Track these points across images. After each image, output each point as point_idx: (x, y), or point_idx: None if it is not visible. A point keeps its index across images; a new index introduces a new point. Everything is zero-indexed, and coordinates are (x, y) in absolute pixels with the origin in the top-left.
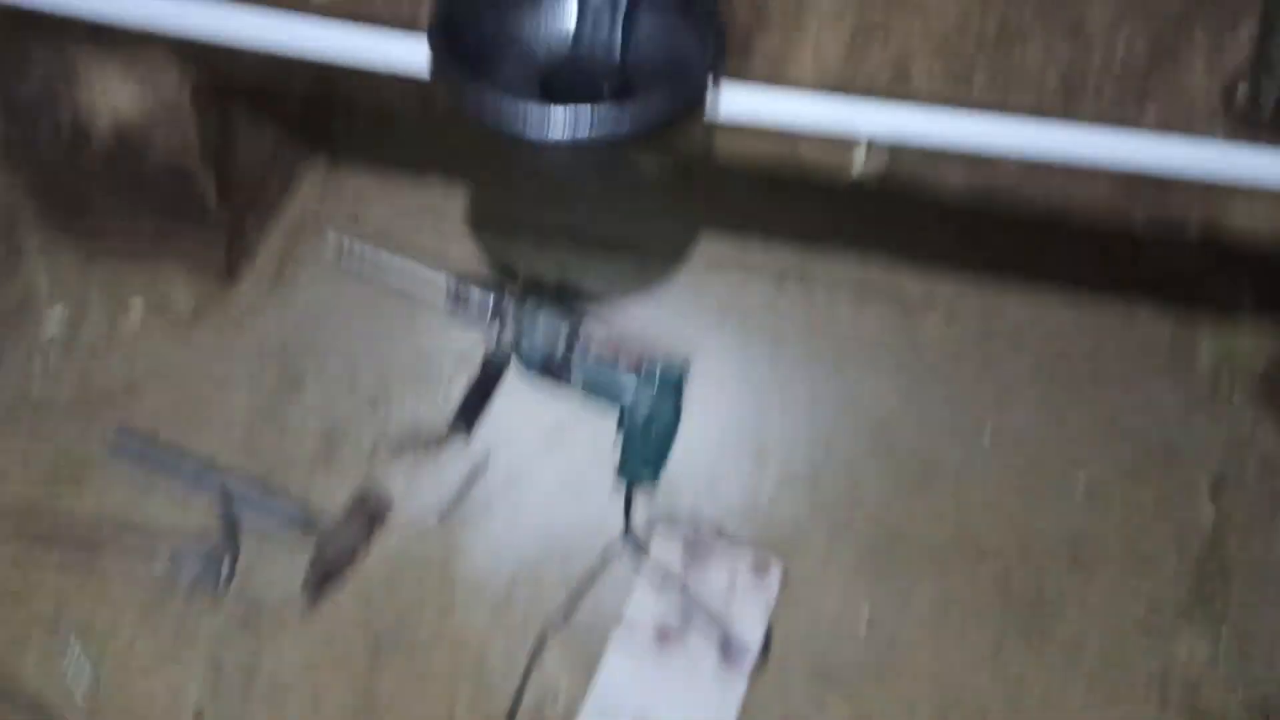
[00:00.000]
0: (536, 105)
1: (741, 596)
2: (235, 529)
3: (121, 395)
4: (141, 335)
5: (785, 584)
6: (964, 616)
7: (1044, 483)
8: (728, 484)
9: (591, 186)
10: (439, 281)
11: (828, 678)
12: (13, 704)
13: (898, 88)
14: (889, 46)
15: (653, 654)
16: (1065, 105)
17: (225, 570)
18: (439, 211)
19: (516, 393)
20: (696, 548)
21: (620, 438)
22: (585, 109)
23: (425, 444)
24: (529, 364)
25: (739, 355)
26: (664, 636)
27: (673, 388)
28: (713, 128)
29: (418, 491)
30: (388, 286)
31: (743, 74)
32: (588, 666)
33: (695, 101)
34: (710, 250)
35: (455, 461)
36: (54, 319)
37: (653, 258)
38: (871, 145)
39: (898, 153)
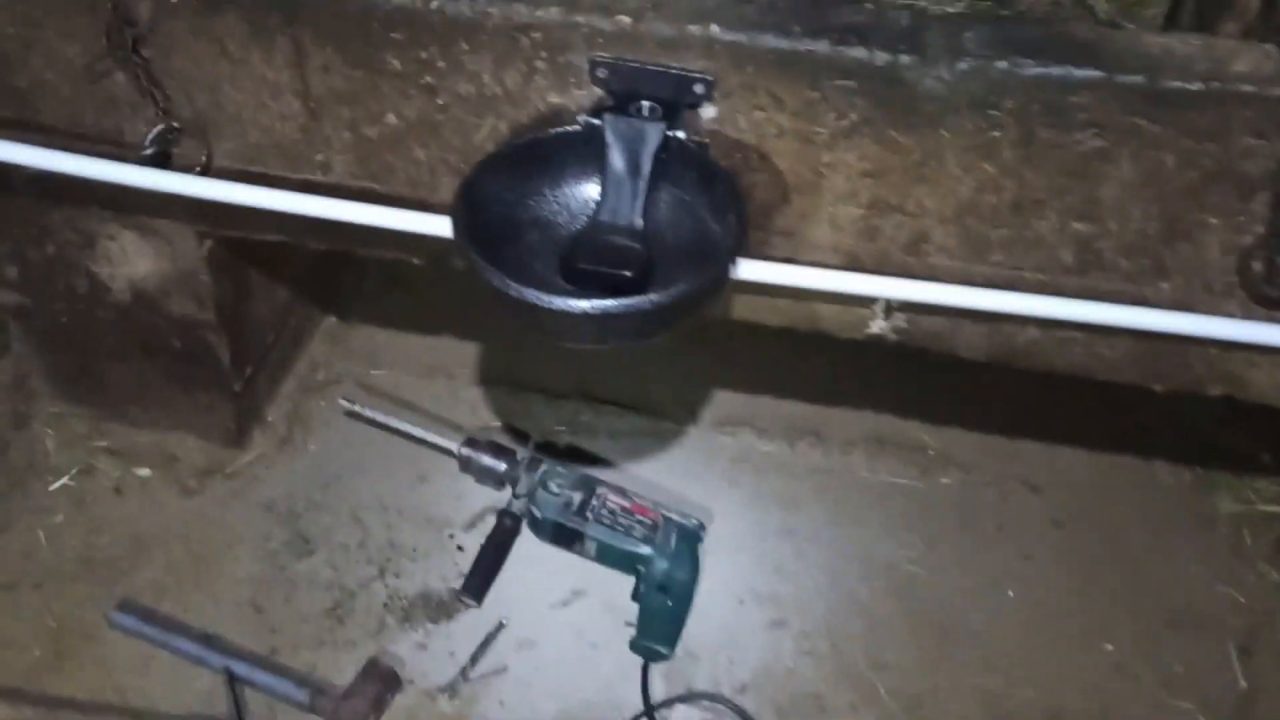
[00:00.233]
0: (560, 300)
1: None
2: (241, 713)
3: (126, 559)
4: (148, 497)
5: None
6: None
7: (1070, 648)
8: (746, 650)
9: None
10: (450, 445)
11: None
12: None
13: (913, 258)
14: (905, 219)
15: None
16: (1081, 276)
17: None
18: (448, 369)
19: (529, 557)
20: None
21: (637, 609)
22: (610, 305)
23: (436, 610)
24: (541, 530)
25: (754, 515)
26: None
27: (689, 554)
28: (729, 293)
29: (429, 660)
30: (397, 447)
31: (759, 244)
32: None
33: (719, 284)
34: (721, 408)
35: (468, 628)
36: (61, 483)
37: (664, 416)
38: (890, 306)
39: (916, 315)
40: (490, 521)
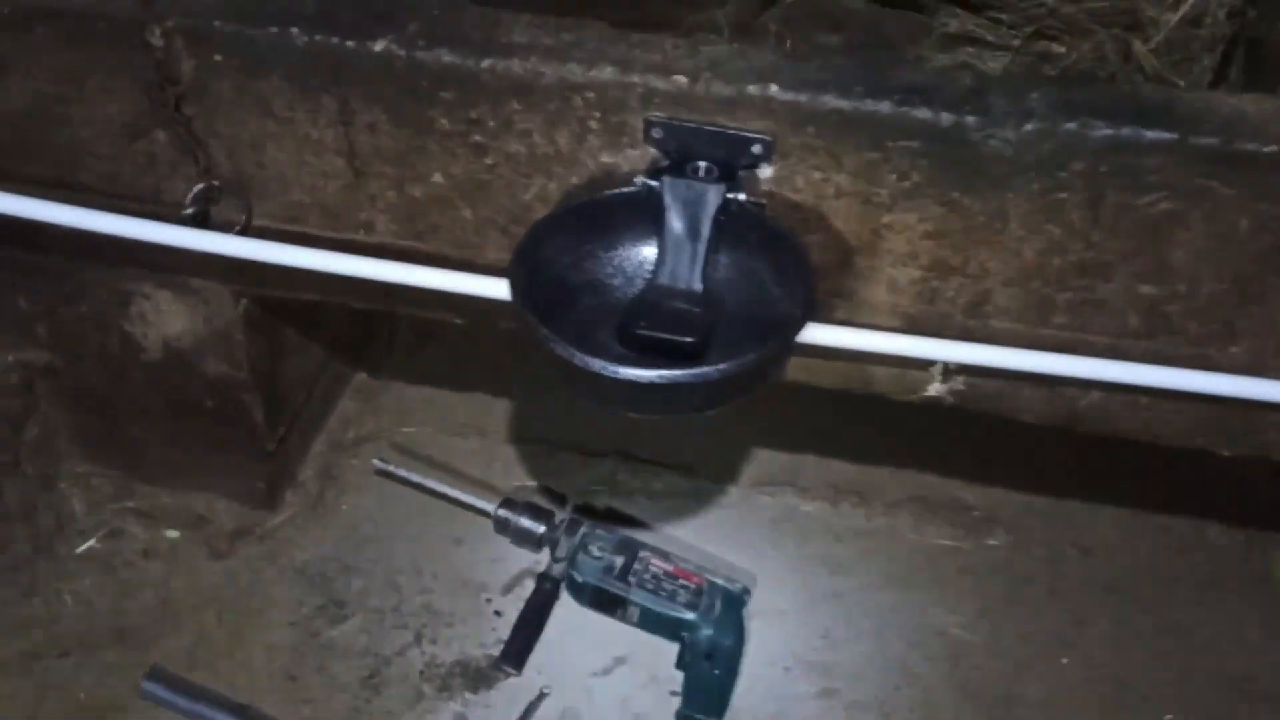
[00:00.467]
0: (627, 370)
1: None
2: None
3: (155, 625)
4: (178, 560)
5: None
6: None
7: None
8: None
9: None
10: (486, 506)
11: None
12: None
13: (974, 320)
14: (966, 281)
15: None
16: (1148, 340)
17: None
18: (481, 427)
19: (568, 623)
20: None
21: (682, 678)
22: (679, 374)
23: (475, 679)
24: (581, 595)
25: (798, 579)
26: None
27: (734, 620)
28: None
29: None
30: (431, 507)
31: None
32: None
33: (788, 351)
34: (761, 467)
35: (508, 698)
36: (88, 545)
37: (702, 476)
38: (948, 369)
39: (974, 378)
40: (528, 586)
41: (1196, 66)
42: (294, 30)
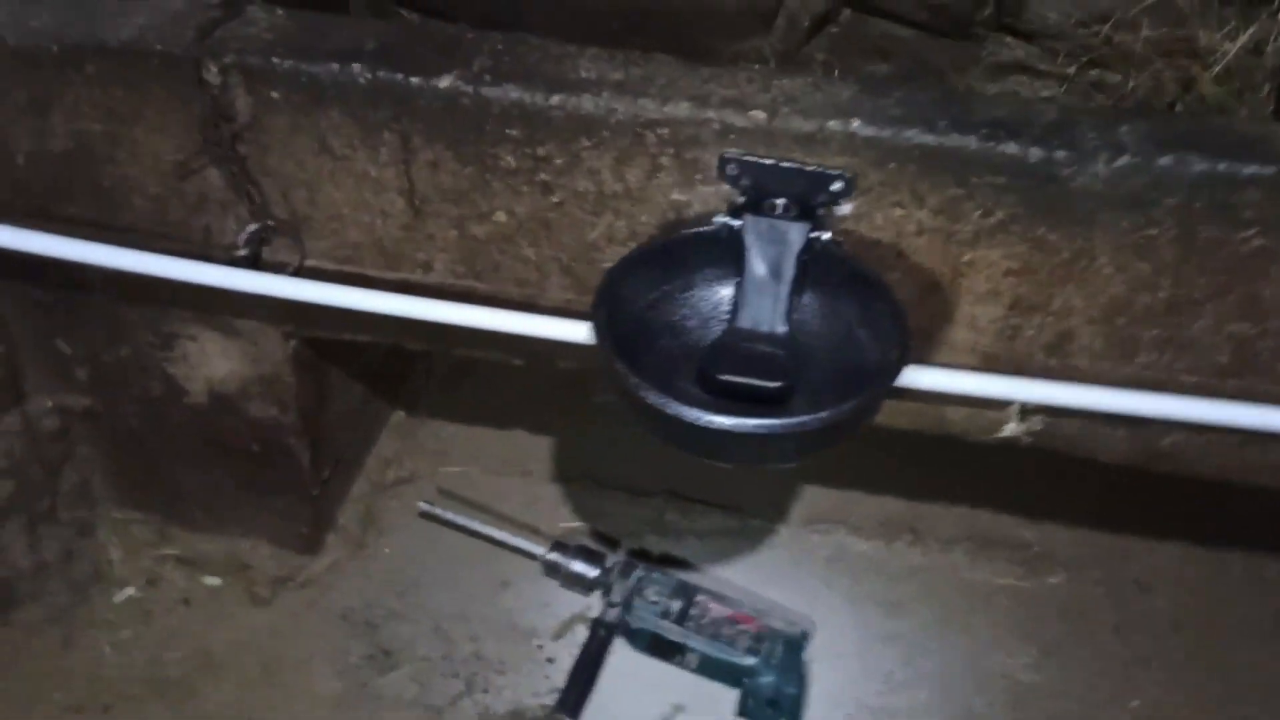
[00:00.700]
0: (724, 419)
1: None
2: None
3: (198, 676)
4: (219, 608)
5: None
6: None
7: None
8: None
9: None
10: (535, 549)
11: None
12: None
13: (1055, 359)
14: (1049, 319)
15: None
16: (1237, 379)
17: None
18: (524, 465)
19: (623, 669)
20: None
21: None
22: (777, 424)
23: None
24: (637, 641)
25: (855, 620)
26: None
27: (795, 665)
28: None
29: None
30: (476, 550)
31: None
32: None
33: (881, 400)
34: (811, 505)
35: None
36: (126, 594)
37: (752, 514)
38: (1025, 409)
39: (1053, 418)
40: (579, 631)
41: (1258, 95)
42: (356, 66)
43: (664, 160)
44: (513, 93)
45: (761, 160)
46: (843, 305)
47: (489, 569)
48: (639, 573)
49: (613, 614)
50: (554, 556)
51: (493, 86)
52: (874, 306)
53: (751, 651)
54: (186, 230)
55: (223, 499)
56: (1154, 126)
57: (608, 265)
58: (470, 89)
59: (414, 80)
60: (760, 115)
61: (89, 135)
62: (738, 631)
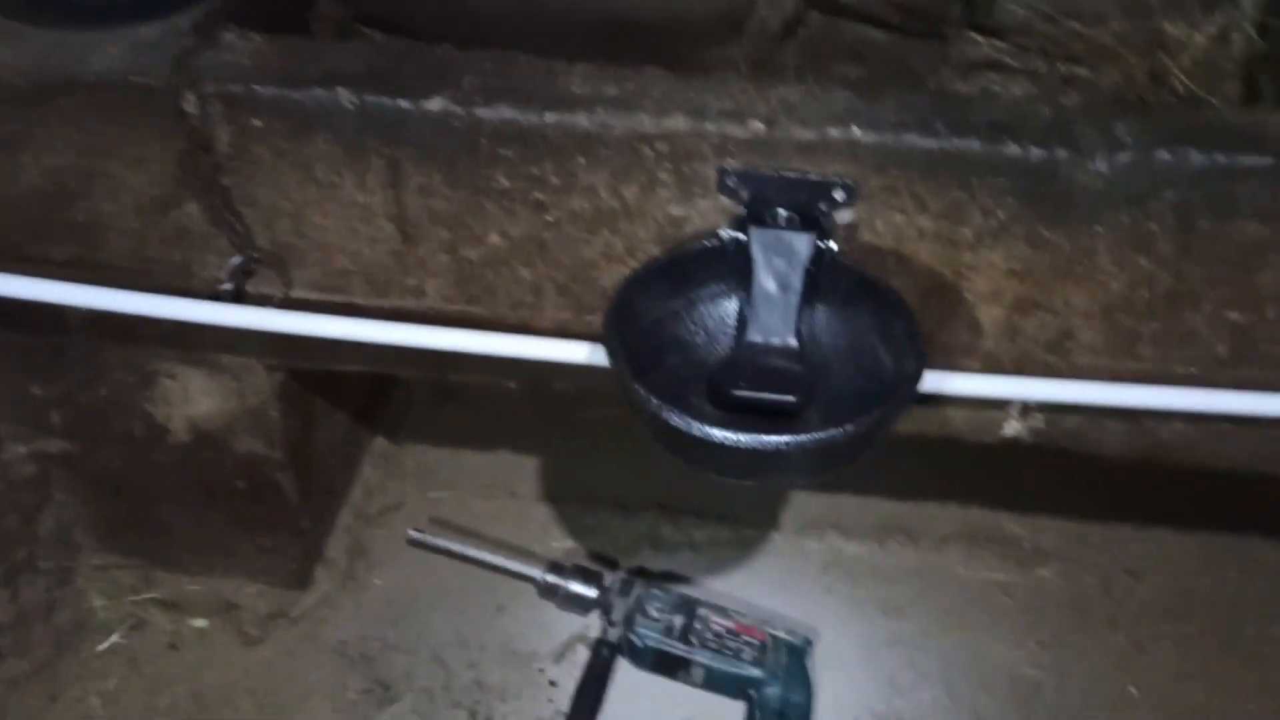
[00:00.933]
0: (751, 438)
1: None
2: None
3: None
4: (208, 650)
5: None
6: None
7: None
8: None
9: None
10: (531, 571)
11: None
12: None
13: (1056, 356)
14: (1050, 318)
15: None
16: (1234, 368)
17: None
18: (511, 486)
19: (628, 688)
20: None
21: None
22: (804, 439)
23: None
24: (641, 660)
25: (856, 625)
26: None
27: (801, 674)
28: None
29: None
30: (467, 575)
31: None
32: None
33: (905, 408)
34: (802, 510)
35: None
36: (111, 641)
37: (745, 523)
38: (1026, 407)
39: (1054, 415)
40: (580, 651)
41: (1228, 86)
42: (342, 91)
43: (662, 175)
44: (506, 112)
45: (763, 171)
46: (852, 315)
47: (483, 594)
48: (638, 590)
49: (614, 633)
50: (551, 578)
51: (485, 107)
52: (884, 315)
53: (757, 663)
54: (166, 265)
55: (208, 539)
56: (1149, 121)
57: (606, 283)
58: (462, 110)
59: (403, 104)
60: (759, 126)
61: (62, 172)
62: (742, 643)
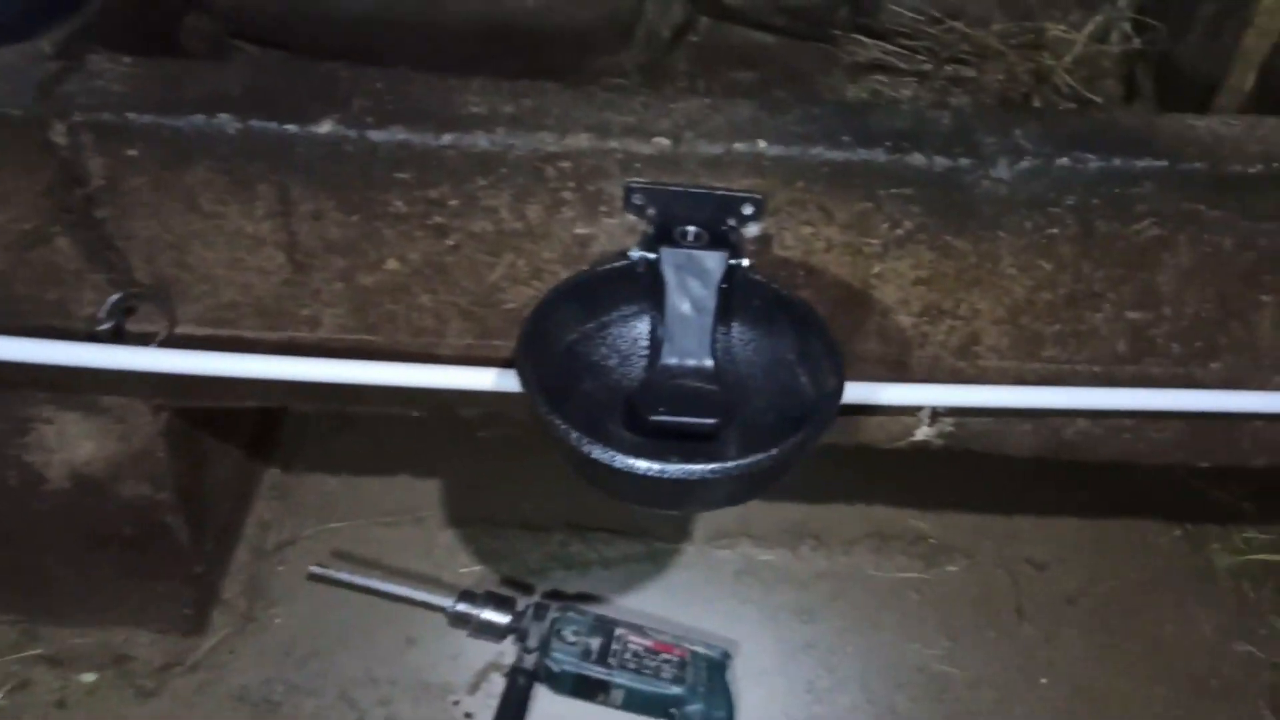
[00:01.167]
0: (677, 468)
1: None
2: None
3: None
4: (99, 705)
5: None
6: None
7: None
8: None
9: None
10: (441, 601)
11: None
12: None
13: (964, 361)
14: (956, 324)
15: None
16: (1134, 365)
17: None
18: (415, 512)
19: (549, 715)
20: None
21: None
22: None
23: None
24: (560, 685)
25: (772, 633)
26: None
27: (722, 688)
28: None
29: None
30: (373, 609)
31: None
32: None
33: (830, 425)
34: (712, 520)
35: None
36: None
37: (656, 537)
38: (935, 412)
39: (962, 418)
40: (495, 680)
41: (1107, 83)
42: (223, 116)
43: (565, 194)
44: (400, 134)
45: (670, 187)
46: (767, 332)
47: (391, 627)
48: (553, 614)
49: (530, 660)
50: (462, 607)
51: (378, 129)
52: (800, 331)
53: (677, 680)
54: (39, 305)
55: (95, 589)
56: (1045, 127)
57: (511, 306)
58: (353, 133)
59: (289, 128)
60: (664, 142)
61: None
62: (661, 661)
